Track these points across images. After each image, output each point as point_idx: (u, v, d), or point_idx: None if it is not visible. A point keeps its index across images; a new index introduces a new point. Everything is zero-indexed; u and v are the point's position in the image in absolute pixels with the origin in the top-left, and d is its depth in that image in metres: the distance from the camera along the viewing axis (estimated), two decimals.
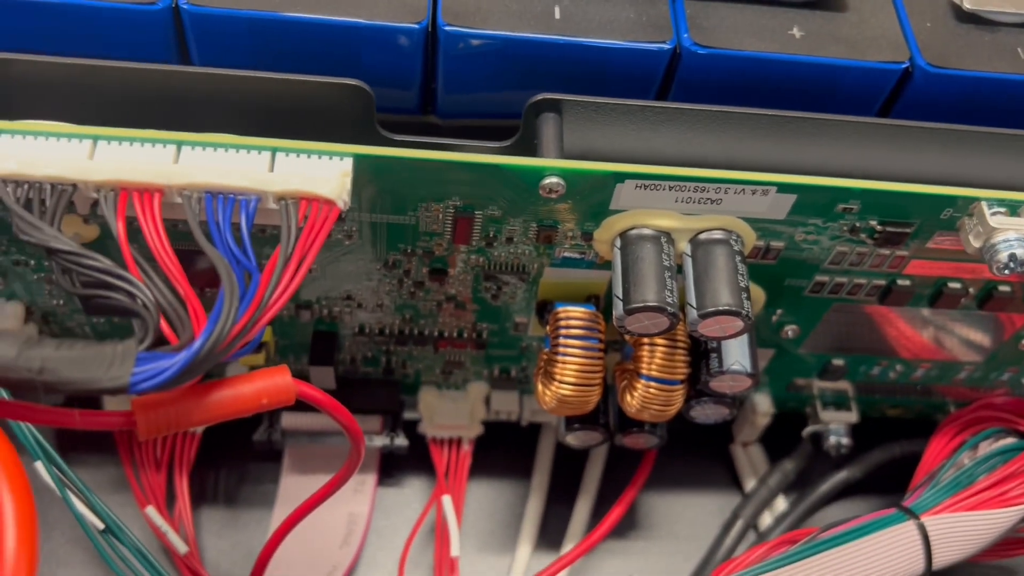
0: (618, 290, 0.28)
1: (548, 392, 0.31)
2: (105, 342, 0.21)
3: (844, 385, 0.39)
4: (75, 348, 0.21)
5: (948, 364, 0.37)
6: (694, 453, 0.41)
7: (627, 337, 0.31)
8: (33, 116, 0.26)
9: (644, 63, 0.29)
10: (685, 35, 0.29)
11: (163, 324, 0.23)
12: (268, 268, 0.24)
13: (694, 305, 0.28)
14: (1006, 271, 0.27)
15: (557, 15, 0.29)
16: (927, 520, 0.34)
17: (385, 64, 0.29)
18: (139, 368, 0.21)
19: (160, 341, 0.23)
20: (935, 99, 0.31)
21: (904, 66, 0.30)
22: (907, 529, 0.34)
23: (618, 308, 0.28)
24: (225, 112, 0.29)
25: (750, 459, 0.40)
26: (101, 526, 0.32)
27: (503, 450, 0.39)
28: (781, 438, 0.40)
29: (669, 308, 0.27)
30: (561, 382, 0.30)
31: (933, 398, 0.39)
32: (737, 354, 0.31)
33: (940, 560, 0.34)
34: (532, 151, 0.29)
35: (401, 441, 0.37)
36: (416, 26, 0.28)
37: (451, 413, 0.37)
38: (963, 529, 0.34)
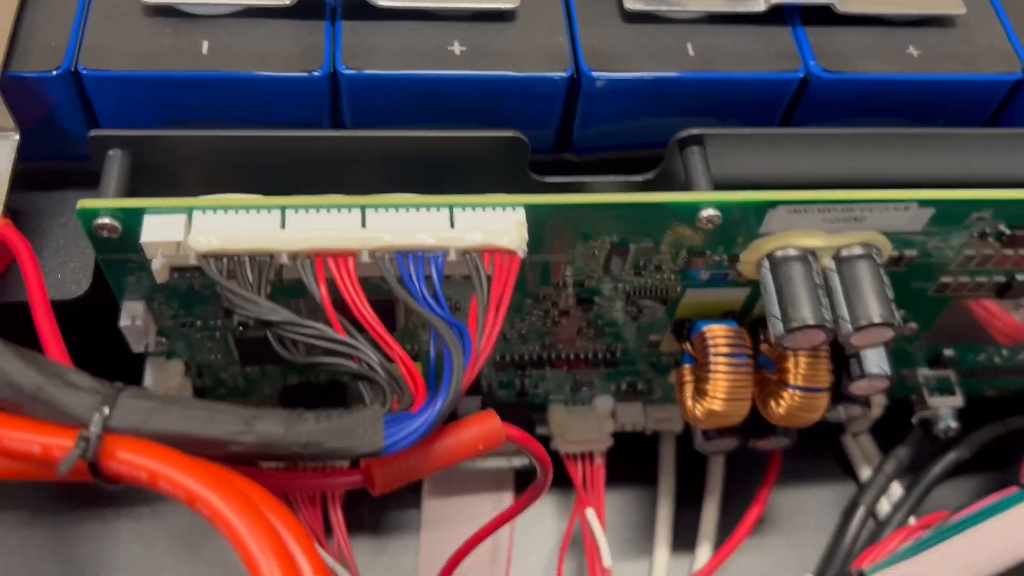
0: (774, 310, 0.29)
1: (700, 407, 0.32)
2: (353, 410, 0.23)
3: (947, 372, 0.41)
4: (332, 419, 0.22)
5: None
6: (804, 447, 0.42)
7: (764, 348, 0.33)
8: (204, 190, 0.28)
9: (776, 91, 0.31)
10: (813, 63, 0.31)
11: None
12: (471, 321, 0.25)
13: (847, 319, 0.29)
14: None
15: (691, 52, 0.31)
16: None
17: (528, 110, 0.31)
18: (388, 430, 0.23)
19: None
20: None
21: (1018, 77, 0.31)
22: None
23: (777, 328, 0.29)
24: (383, 170, 0.30)
25: (862, 449, 0.42)
26: None
27: (623, 459, 0.41)
28: (883, 426, 0.42)
29: (828, 324, 0.29)
30: (713, 397, 0.32)
31: None
32: (875, 358, 0.32)
33: None
34: (672, 182, 0.31)
35: None
36: (563, 74, 0.30)
37: (581, 428, 0.39)
38: None
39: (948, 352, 0.38)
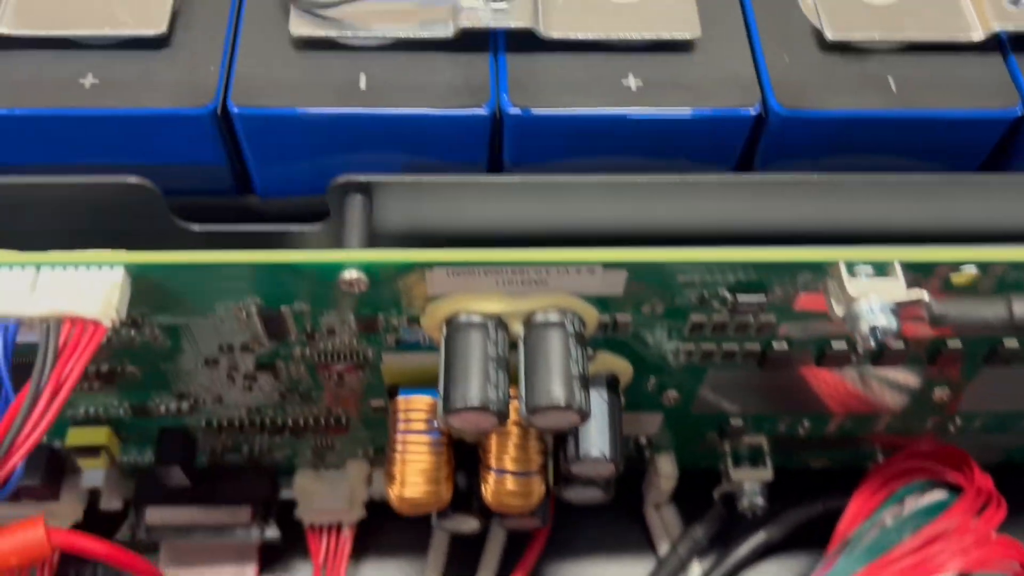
0: (440, 389, 0.25)
1: (391, 492, 0.28)
2: None
3: (759, 439, 0.35)
4: None
5: (862, 416, 0.34)
6: (608, 517, 0.38)
7: None
8: None
9: (463, 129, 0.27)
10: (504, 96, 0.26)
11: None
12: (15, 403, 0.22)
13: (524, 400, 0.25)
14: (872, 343, 0.24)
15: (363, 85, 0.26)
16: None
17: (184, 148, 0.27)
18: None
19: None
20: (796, 144, 0.27)
21: (755, 112, 0.27)
22: None
23: (439, 410, 0.25)
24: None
25: (663, 521, 0.37)
26: None
27: (397, 532, 0.37)
28: (699, 495, 0.37)
29: (492, 407, 0.24)
30: (402, 483, 0.28)
31: (859, 447, 0.36)
32: (595, 438, 0.28)
33: None
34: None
35: (273, 532, 0.34)
36: (202, 110, 0.26)
37: (328, 496, 0.35)
38: None
39: (735, 422, 0.33)
